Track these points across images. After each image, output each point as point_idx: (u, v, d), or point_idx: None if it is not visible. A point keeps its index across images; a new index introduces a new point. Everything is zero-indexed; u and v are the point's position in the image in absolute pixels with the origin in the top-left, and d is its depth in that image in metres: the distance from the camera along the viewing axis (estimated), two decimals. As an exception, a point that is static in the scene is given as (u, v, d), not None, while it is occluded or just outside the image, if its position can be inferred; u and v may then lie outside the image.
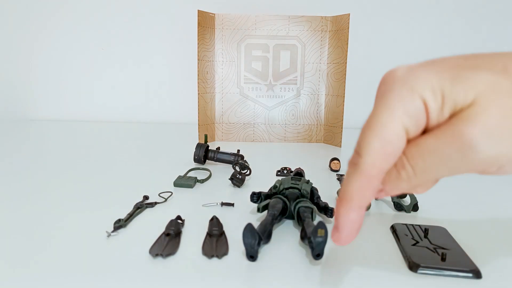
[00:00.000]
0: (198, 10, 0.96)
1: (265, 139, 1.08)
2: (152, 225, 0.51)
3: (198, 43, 0.96)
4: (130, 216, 0.52)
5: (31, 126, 1.25)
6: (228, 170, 0.79)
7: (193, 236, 0.48)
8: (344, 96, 0.98)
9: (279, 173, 0.76)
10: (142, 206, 0.56)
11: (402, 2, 1.28)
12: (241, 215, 0.55)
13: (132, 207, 0.56)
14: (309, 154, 0.94)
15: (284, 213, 0.52)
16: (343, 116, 0.99)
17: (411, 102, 0.26)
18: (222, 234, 0.48)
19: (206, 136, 0.82)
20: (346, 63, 0.97)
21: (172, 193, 0.63)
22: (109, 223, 0.51)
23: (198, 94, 0.98)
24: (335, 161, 0.78)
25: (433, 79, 0.26)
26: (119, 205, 0.57)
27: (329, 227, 0.52)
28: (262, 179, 0.73)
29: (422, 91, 0.26)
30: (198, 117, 0.99)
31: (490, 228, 0.52)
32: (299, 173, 0.66)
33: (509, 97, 0.24)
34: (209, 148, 0.82)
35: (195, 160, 0.80)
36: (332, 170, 0.78)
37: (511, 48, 1.29)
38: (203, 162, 0.80)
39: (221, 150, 0.92)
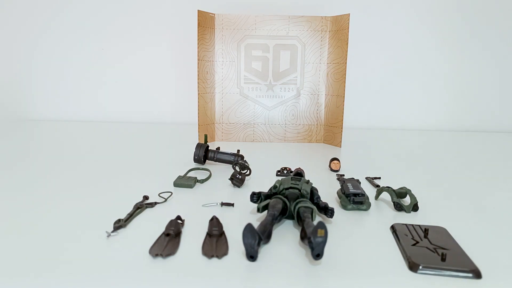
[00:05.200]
0: (198, 10, 0.96)
1: (265, 139, 1.08)
2: (152, 225, 0.51)
3: (198, 43, 0.96)
4: (130, 216, 0.52)
5: (31, 126, 1.25)
6: (228, 170, 0.78)
7: (193, 236, 0.48)
8: (344, 96, 0.98)
9: (279, 173, 0.76)
10: (142, 206, 0.56)
11: (402, 2, 1.28)
12: (241, 215, 0.55)
13: (132, 207, 0.56)
14: (309, 154, 0.94)
15: (284, 213, 0.52)
16: (343, 116, 0.99)
17: None
18: (222, 234, 0.48)
19: (206, 136, 0.82)
20: (346, 63, 0.97)
21: (172, 193, 0.63)
22: (109, 223, 0.51)
23: (198, 94, 0.98)
24: (335, 161, 0.78)
25: None
26: (119, 205, 0.57)
27: (329, 227, 0.52)
28: (262, 179, 0.73)
29: None
30: (198, 117, 0.99)
31: (490, 228, 0.52)
32: (299, 173, 0.66)
33: None
34: (209, 148, 0.82)
35: (195, 160, 0.80)
36: (332, 170, 0.78)
37: (509, 50, 1.29)
38: (203, 162, 0.80)
39: (221, 150, 0.92)
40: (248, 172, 0.72)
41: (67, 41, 1.35)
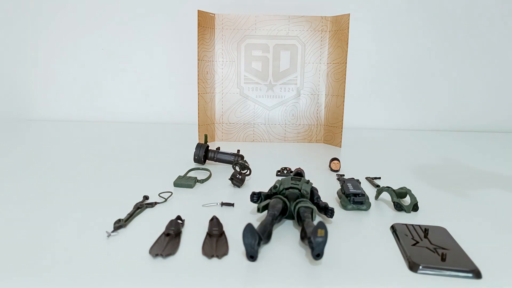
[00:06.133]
0: (198, 10, 0.96)
1: (265, 139, 1.08)
2: (152, 225, 0.51)
3: (198, 43, 0.96)
4: (130, 216, 0.52)
5: (31, 126, 1.25)
6: (228, 170, 0.78)
7: (193, 236, 0.48)
8: (344, 96, 0.98)
9: (279, 173, 0.76)
10: (142, 206, 0.56)
11: (402, 2, 1.28)
12: (241, 215, 0.55)
13: (132, 207, 0.56)
14: (309, 154, 0.94)
15: (284, 213, 0.52)
16: (343, 116, 0.99)
17: None
18: (222, 234, 0.48)
19: (206, 136, 0.82)
20: (346, 63, 0.97)
21: (172, 193, 0.63)
22: (109, 223, 0.51)
23: (198, 94, 0.98)
24: (335, 161, 0.78)
25: None
26: (119, 205, 0.57)
27: (329, 227, 0.52)
28: (262, 179, 0.73)
29: None
30: (198, 117, 0.99)
31: (490, 228, 0.52)
32: (299, 173, 0.66)
33: None
34: (209, 148, 0.82)
35: (195, 160, 0.80)
36: (332, 170, 0.78)
37: (507, 50, 1.29)
38: (203, 162, 0.80)
39: (221, 150, 0.92)
40: (248, 172, 0.72)
41: (67, 41, 1.36)
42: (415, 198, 0.57)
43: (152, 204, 0.57)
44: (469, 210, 0.59)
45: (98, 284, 0.37)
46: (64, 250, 0.44)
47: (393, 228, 0.50)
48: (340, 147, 1.02)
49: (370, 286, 0.38)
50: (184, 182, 0.66)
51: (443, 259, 0.42)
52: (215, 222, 0.50)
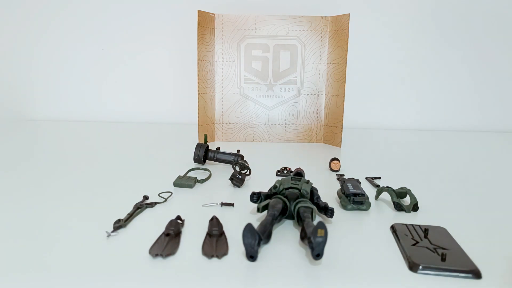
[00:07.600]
0: (198, 10, 0.96)
1: (265, 139, 1.08)
2: (152, 225, 0.51)
3: (198, 43, 0.96)
4: (130, 216, 0.52)
5: (31, 126, 1.25)
6: (228, 170, 0.78)
7: (193, 236, 0.48)
8: (344, 96, 0.98)
9: (279, 173, 0.76)
10: (142, 206, 0.56)
11: (402, 2, 1.28)
12: (241, 215, 0.55)
13: (132, 207, 0.56)
14: (309, 154, 0.94)
15: (284, 213, 0.52)
16: (343, 116, 0.99)
17: None
18: (222, 234, 0.48)
19: (206, 136, 0.82)
20: (346, 63, 0.97)
21: (172, 193, 0.63)
22: (109, 223, 0.51)
23: (198, 94, 0.98)
24: (335, 161, 0.78)
25: None
26: (119, 205, 0.57)
27: (329, 227, 0.52)
28: (262, 179, 0.73)
29: None
30: (198, 117, 0.99)
31: (490, 228, 0.52)
32: (299, 173, 0.66)
33: None
34: (209, 148, 0.82)
35: (195, 160, 0.80)
36: (332, 170, 0.78)
37: (504, 50, 1.29)
38: (203, 162, 0.80)
39: (221, 150, 0.92)
40: (248, 172, 0.72)
41: (67, 41, 1.35)
42: (415, 198, 0.57)
43: (152, 204, 0.57)
44: (469, 210, 0.59)
45: (98, 284, 0.37)
46: (64, 250, 0.44)
47: (393, 228, 0.50)
48: (340, 147, 1.02)
49: (370, 286, 0.38)
50: (184, 182, 0.66)
51: (443, 259, 0.42)
52: (215, 222, 0.50)
